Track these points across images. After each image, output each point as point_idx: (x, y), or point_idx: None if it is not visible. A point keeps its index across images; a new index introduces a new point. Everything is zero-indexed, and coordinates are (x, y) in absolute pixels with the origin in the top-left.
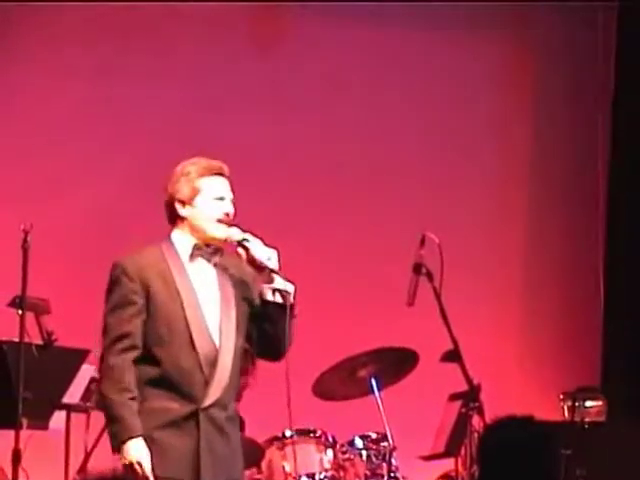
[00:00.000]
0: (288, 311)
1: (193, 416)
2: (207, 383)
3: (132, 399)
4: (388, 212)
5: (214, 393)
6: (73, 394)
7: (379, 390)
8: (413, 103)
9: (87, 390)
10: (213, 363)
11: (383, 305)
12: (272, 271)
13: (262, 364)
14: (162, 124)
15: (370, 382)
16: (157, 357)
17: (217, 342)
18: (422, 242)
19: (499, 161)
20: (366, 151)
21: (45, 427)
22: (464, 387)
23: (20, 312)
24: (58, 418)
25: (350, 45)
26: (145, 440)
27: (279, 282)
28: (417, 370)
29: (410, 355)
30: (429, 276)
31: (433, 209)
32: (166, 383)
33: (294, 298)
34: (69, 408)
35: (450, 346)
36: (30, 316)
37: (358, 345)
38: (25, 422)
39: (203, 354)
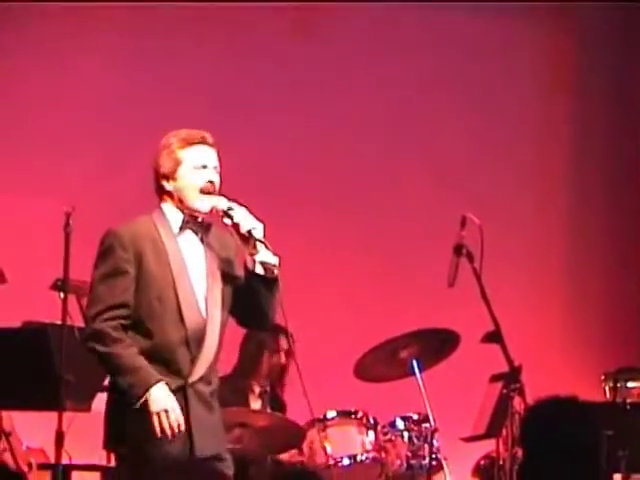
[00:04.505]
0: (274, 284)
1: (181, 390)
2: (194, 359)
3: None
4: (429, 194)
5: (200, 369)
6: None
7: (420, 371)
8: (455, 88)
9: None
10: (200, 338)
11: (424, 287)
12: (257, 240)
13: (307, 348)
14: (204, 108)
15: (411, 363)
16: (149, 330)
17: (204, 315)
18: (463, 223)
19: (541, 145)
20: (408, 132)
21: (88, 409)
22: (505, 368)
23: (62, 295)
24: (101, 400)
25: (393, 31)
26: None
27: (263, 253)
28: (458, 351)
29: (451, 336)
30: (470, 257)
31: (474, 191)
32: (155, 356)
33: (278, 270)
34: None
35: (491, 327)
36: (72, 299)
37: (399, 326)
38: (68, 404)
39: (191, 328)
